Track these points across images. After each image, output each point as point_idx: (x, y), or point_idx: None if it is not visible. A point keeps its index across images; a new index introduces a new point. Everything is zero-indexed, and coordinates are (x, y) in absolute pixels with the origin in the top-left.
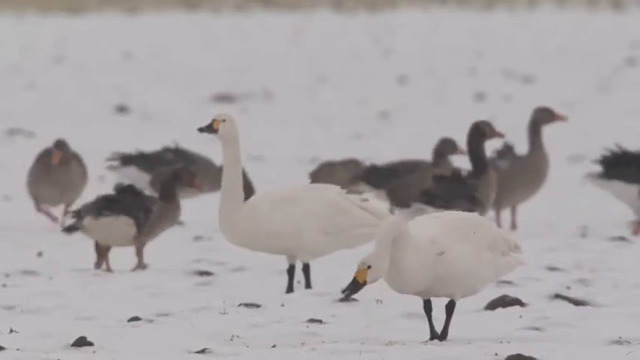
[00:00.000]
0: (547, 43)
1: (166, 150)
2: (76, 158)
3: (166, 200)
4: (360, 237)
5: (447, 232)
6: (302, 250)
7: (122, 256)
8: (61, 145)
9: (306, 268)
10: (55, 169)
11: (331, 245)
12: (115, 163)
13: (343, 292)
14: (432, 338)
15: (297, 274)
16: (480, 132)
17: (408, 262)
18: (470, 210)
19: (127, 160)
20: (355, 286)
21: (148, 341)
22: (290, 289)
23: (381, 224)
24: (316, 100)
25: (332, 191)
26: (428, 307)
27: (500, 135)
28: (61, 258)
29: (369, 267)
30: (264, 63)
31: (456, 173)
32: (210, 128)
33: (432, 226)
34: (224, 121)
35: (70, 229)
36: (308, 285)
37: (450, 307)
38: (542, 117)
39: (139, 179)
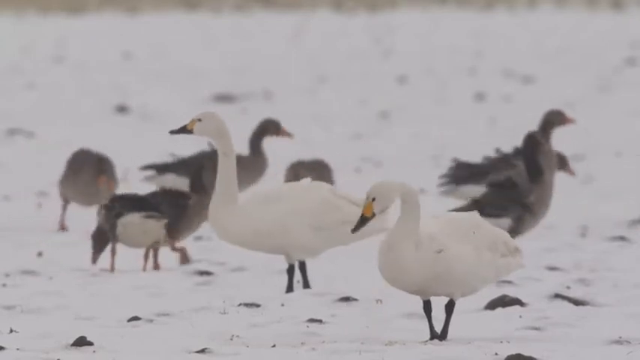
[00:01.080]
0: (547, 43)
1: (202, 153)
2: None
3: (199, 195)
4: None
5: (446, 231)
6: (293, 247)
7: (123, 256)
8: (104, 167)
9: (302, 267)
10: (84, 174)
11: (324, 242)
12: (151, 172)
13: (352, 229)
14: (431, 338)
15: (298, 274)
16: (534, 141)
17: (407, 258)
18: (521, 216)
19: (163, 168)
20: (362, 220)
21: (148, 341)
22: (290, 288)
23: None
24: (316, 100)
25: (323, 188)
26: (427, 307)
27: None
28: (61, 258)
29: (373, 199)
30: (264, 63)
31: (510, 180)
32: (183, 129)
33: (432, 225)
34: (200, 120)
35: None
36: (306, 284)
37: (450, 307)
38: (554, 119)
39: (180, 185)
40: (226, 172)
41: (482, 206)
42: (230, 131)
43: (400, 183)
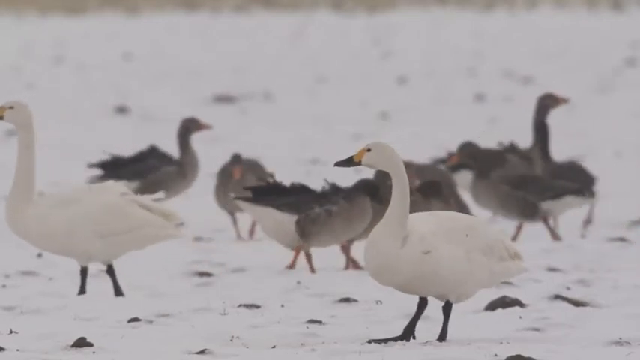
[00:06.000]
0: (547, 43)
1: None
2: (254, 169)
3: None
4: (147, 238)
5: (438, 232)
6: (76, 252)
7: (121, 257)
8: (237, 159)
9: (110, 271)
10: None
11: (112, 248)
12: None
13: (335, 163)
14: (403, 332)
15: (298, 275)
16: None
17: (391, 255)
18: None
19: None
20: (349, 161)
21: (147, 342)
22: (118, 292)
23: (164, 223)
24: (316, 100)
25: (113, 193)
26: (422, 304)
27: None
28: (61, 258)
29: (368, 150)
30: (264, 63)
31: None
32: None
33: (425, 224)
34: (11, 107)
35: None
36: (82, 290)
37: (447, 308)
38: None
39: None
40: (26, 166)
41: None
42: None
43: (399, 160)
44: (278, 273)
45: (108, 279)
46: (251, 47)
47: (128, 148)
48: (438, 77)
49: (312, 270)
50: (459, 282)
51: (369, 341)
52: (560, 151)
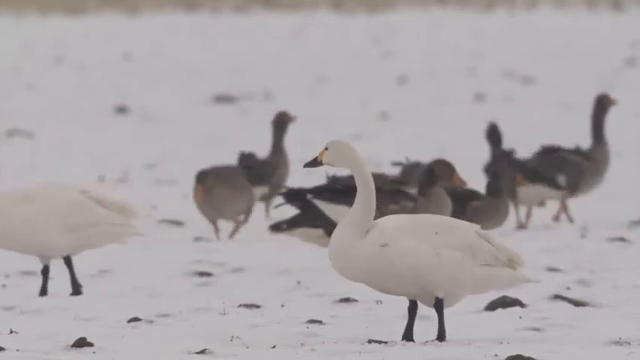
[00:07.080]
0: (547, 43)
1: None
2: (224, 180)
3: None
4: (105, 236)
5: (403, 227)
6: (42, 249)
7: (121, 257)
8: (200, 178)
9: (68, 262)
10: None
11: (74, 244)
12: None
13: (304, 165)
14: (402, 338)
15: (298, 275)
16: None
17: (350, 247)
18: None
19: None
20: (314, 162)
21: (147, 342)
22: (44, 291)
23: (124, 221)
24: (316, 100)
25: (74, 189)
26: (411, 307)
27: None
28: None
29: (326, 149)
30: (264, 63)
31: None
32: None
33: (395, 221)
34: None
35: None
36: (43, 291)
37: (439, 306)
38: None
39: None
40: None
41: None
42: None
43: (357, 156)
44: (278, 273)
45: (108, 279)
46: (251, 47)
47: (128, 148)
48: (438, 77)
49: None
50: (430, 278)
51: (369, 341)
52: None
